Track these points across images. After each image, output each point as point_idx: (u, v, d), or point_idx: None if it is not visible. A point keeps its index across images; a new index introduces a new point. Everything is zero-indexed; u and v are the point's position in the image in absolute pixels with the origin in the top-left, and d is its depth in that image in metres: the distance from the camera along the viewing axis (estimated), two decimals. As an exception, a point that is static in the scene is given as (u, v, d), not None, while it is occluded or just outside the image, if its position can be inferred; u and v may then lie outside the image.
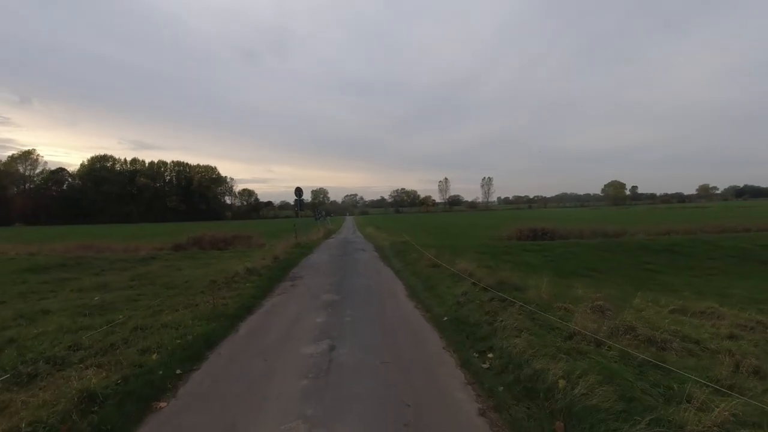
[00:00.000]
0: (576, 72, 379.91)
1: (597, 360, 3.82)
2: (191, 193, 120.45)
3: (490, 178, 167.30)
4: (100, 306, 7.42)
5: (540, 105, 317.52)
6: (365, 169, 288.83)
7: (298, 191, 21.64)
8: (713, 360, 4.56)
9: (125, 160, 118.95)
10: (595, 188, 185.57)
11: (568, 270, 13.74)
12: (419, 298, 7.77)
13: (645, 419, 2.78)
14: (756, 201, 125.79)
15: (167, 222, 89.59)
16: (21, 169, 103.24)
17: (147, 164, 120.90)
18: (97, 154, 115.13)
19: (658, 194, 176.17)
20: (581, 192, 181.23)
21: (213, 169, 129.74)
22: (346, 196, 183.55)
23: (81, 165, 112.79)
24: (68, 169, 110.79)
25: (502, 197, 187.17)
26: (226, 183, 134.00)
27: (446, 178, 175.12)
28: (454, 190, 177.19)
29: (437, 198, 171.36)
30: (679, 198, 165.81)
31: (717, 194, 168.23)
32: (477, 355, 4.58)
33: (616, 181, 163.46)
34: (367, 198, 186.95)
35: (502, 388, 3.72)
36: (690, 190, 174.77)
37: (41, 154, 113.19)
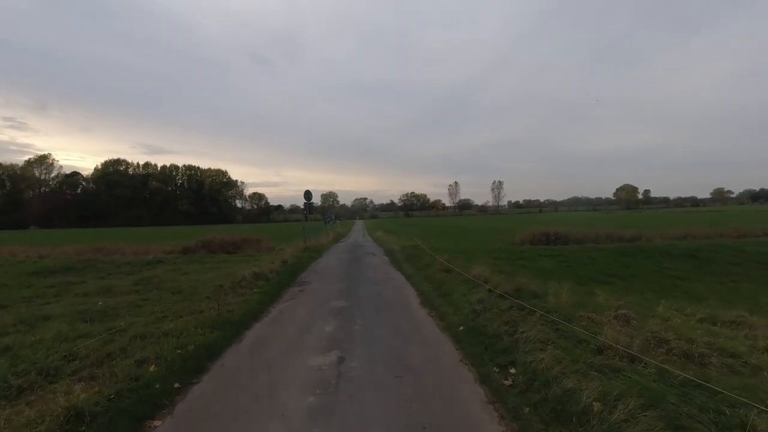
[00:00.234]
0: (588, 75, 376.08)
1: (633, 379, 3.44)
2: (202, 197, 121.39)
3: (500, 182, 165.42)
4: (102, 311, 7.21)
5: (551, 108, 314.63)
6: (375, 173, 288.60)
7: (307, 194, 21.42)
8: (757, 377, 4.15)
9: (138, 164, 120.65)
10: (607, 192, 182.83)
11: (587, 276, 13.25)
12: (432, 305, 7.41)
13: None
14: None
15: (178, 225, 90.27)
16: (37, 173, 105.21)
17: (159, 168, 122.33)
18: (111, 158, 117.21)
19: (671, 198, 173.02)
20: (593, 196, 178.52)
21: (224, 173, 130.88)
22: (356, 199, 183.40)
23: (95, 169, 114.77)
24: (82, 173, 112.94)
25: (513, 201, 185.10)
26: (237, 187, 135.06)
27: (456, 182, 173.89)
28: (464, 194, 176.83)
29: (447, 202, 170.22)
30: (693, 202, 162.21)
31: (732, 198, 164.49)
32: (498, 370, 4.22)
33: (628, 184, 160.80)
34: (377, 202, 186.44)
35: (528, 409, 3.37)
36: (704, 193, 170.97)
37: (56, 159, 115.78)
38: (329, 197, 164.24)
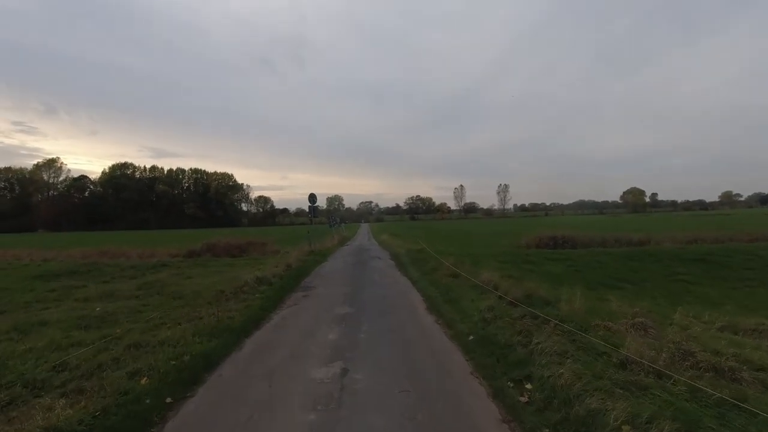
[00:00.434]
0: (594, 77, 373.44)
1: (664, 398, 3.15)
2: (208, 200, 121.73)
3: (506, 185, 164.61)
4: (100, 317, 7.01)
5: (557, 111, 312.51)
6: (380, 176, 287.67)
7: (312, 197, 21.21)
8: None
9: (144, 167, 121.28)
10: (613, 195, 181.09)
11: (596, 281, 12.90)
12: (440, 311, 7.13)
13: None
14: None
15: (184, 229, 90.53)
16: (45, 177, 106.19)
17: (166, 171, 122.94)
18: (118, 161, 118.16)
19: (679, 201, 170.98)
20: (599, 199, 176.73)
21: (230, 177, 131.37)
22: (361, 203, 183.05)
23: (102, 172, 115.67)
24: (90, 177, 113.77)
25: (519, 204, 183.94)
26: (243, 190, 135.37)
27: (462, 185, 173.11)
28: (470, 197, 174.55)
29: (452, 205, 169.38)
30: (701, 205, 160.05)
31: (741, 201, 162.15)
32: (512, 385, 3.93)
33: (635, 187, 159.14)
34: (383, 205, 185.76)
35: (548, 430, 3.09)
36: (712, 197, 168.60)
37: (65, 162, 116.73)
38: (335, 200, 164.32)
